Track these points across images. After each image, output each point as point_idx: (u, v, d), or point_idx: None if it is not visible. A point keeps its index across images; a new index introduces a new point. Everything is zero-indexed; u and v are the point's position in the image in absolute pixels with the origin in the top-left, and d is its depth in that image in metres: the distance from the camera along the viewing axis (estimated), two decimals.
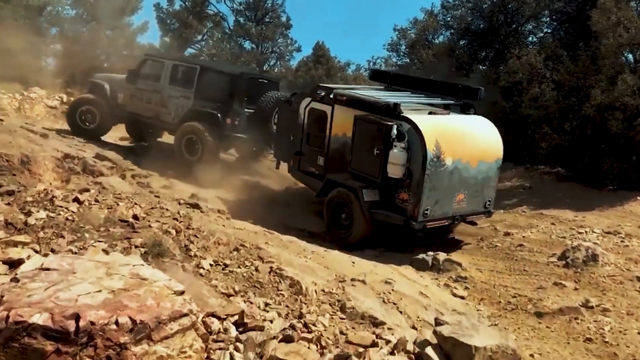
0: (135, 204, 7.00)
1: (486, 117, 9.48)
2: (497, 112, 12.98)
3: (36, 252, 5.26)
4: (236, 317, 4.52)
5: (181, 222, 6.69)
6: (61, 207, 6.20)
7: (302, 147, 9.64)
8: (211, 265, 5.87)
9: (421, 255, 8.66)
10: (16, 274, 3.68)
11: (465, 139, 8.48)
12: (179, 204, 7.88)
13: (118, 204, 6.73)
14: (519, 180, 14.14)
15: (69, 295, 3.32)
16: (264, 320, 4.74)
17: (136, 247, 5.59)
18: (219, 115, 11.19)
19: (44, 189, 6.61)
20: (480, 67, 16.66)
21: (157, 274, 4.01)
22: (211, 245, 6.26)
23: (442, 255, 8.65)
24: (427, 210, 7.93)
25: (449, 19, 17.15)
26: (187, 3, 25.38)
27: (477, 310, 6.81)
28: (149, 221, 6.39)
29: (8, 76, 20.51)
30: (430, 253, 8.72)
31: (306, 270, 6.14)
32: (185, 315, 3.58)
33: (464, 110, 9.29)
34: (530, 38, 16.94)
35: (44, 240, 5.46)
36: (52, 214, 5.99)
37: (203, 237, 6.39)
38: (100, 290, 3.45)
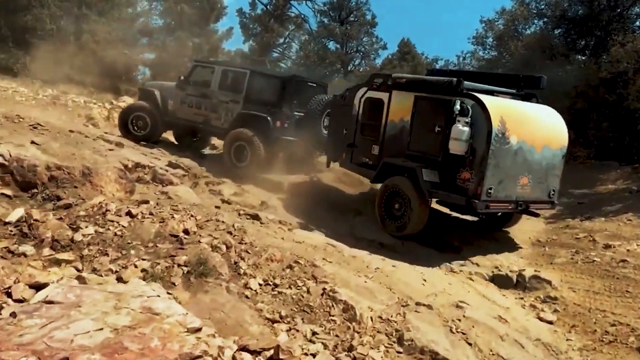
0: (192, 216, 6.73)
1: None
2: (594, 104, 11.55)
3: (78, 270, 5.08)
4: (271, 352, 4.02)
5: (235, 235, 6.33)
6: (112, 221, 6.03)
7: (355, 139, 9.56)
8: (260, 285, 5.44)
9: (505, 271, 7.82)
10: (18, 308, 3.40)
11: (530, 121, 8.16)
12: (239, 214, 7.55)
13: (173, 217, 6.47)
14: (625, 183, 12.62)
15: (65, 335, 2.99)
16: (305, 354, 4.20)
17: (179, 265, 5.27)
18: (268, 118, 11.14)
19: (99, 202, 6.48)
20: (579, 57, 15.14)
21: (173, 307, 3.61)
22: (263, 262, 5.82)
23: (528, 271, 7.75)
24: (490, 189, 7.58)
25: (542, 6, 15.75)
26: (268, 7, 25.46)
27: (567, 340, 5.88)
28: (200, 235, 6.07)
29: (101, 86, 21.55)
30: (515, 269, 7.84)
31: (364, 292, 5.54)
32: (198, 357, 3.13)
33: (526, 99, 8.98)
34: (637, 23, 15.19)
35: (87, 258, 5.27)
36: (101, 229, 5.81)
37: (255, 252, 5.97)
38: (101, 329, 3.09)
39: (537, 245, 9.30)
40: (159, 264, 5.25)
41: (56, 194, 6.80)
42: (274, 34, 24.61)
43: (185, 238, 5.89)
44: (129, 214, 6.28)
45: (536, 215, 9.00)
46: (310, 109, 11.23)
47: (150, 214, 6.48)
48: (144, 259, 5.34)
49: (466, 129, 7.55)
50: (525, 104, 8.60)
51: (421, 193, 8.12)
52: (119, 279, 4.82)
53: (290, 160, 11.50)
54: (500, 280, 7.66)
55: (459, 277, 7.59)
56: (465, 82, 8.16)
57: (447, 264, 8.11)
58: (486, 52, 16.03)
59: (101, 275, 4.95)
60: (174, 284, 5.00)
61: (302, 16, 27.76)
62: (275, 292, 5.34)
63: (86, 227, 5.78)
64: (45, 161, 6.93)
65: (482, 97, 7.74)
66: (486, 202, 7.65)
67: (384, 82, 9.12)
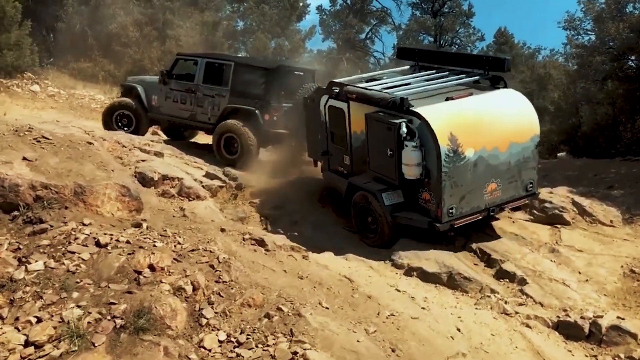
0: (178, 243, 5.79)
1: None
2: None
3: (2, 318, 4.27)
4: None
5: (216, 271, 5.29)
6: (73, 253, 5.22)
7: (328, 146, 9.07)
8: (220, 342, 4.36)
9: (575, 316, 6.10)
10: None
11: (489, 122, 7.47)
12: (243, 239, 6.50)
13: (142, 247, 5.54)
14: None
15: None
16: None
17: (113, 317, 4.29)
18: (257, 112, 10.60)
19: (72, 228, 5.72)
20: None
21: None
22: (235, 309, 4.74)
23: (608, 317, 5.98)
24: (452, 209, 7.18)
25: None
26: (347, 1, 24.24)
27: None
28: (168, 273, 5.09)
29: None
30: (590, 313, 6.10)
31: (348, 359, 4.24)
32: None
33: (494, 83, 8.31)
34: None
35: (18, 303, 4.47)
36: (54, 264, 5.02)
37: (230, 295, 4.90)
38: None
39: (630, 278, 7.34)
40: (90, 313, 4.31)
41: (39, 217, 6.14)
42: (354, 30, 23.35)
43: (144, 277, 4.93)
44: (97, 243, 5.44)
45: (518, 209, 8.53)
46: (296, 100, 10.53)
47: (128, 242, 5.61)
48: (79, 306, 4.45)
49: (416, 152, 7.10)
50: (485, 100, 7.81)
51: (386, 217, 7.71)
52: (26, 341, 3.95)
53: (283, 156, 10.77)
54: (567, 329, 5.98)
55: (510, 323, 6.02)
56: (416, 89, 7.94)
57: (502, 302, 6.54)
58: (581, 36, 13.70)
59: (18, 329, 4.11)
60: (93, 344, 4.03)
61: (385, 9, 26.24)
62: (234, 355, 4.21)
63: (36, 261, 5.00)
64: (30, 180, 6.31)
65: (428, 114, 7.13)
66: (449, 221, 7.24)
67: (341, 92, 8.47)
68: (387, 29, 26.52)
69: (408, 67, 9.93)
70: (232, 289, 4.98)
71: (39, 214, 6.18)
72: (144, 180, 8.77)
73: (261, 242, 6.44)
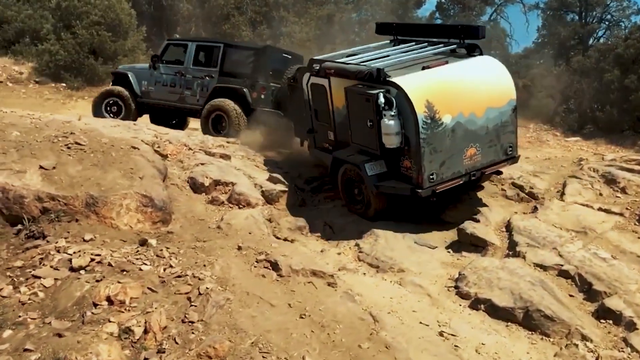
0: (170, 267, 4.96)
1: None
2: None
3: None
4: None
5: (192, 305, 4.34)
6: (38, 278, 4.58)
7: (313, 124, 9.19)
8: None
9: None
10: None
11: (465, 88, 7.64)
12: (257, 261, 5.46)
13: (105, 276, 4.77)
14: None
15: None
16: None
17: None
18: (245, 90, 10.92)
19: (55, 247, 5.12)
20: None
21: None
22: None
23: None
24: (432, 175, 7.34)
25: None
26: None
27: None
28: (128, 308, 4.24)
29: None
30: None
31: None
32: None
33: (470, 52, 8.49)
34: None
35: None
36: (8, 291, 4.40)
37: (187, 341, 3.90)
38: None
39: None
40: None
41: (43, 231, 5.68)
42: (474, 13, 21.06)
43: (92, 313, 4.12)
44: (72, 268, 4.76)
45: (499, 173, 8.61)
46: (285, 81, 10.53)
47: (110, 264, 4.88)
48: (2, 348, 3.73)
49: (394, 122, 7.27)
50: (461, 67, 8.01)
51: (369, 186, 7.84)
52: None
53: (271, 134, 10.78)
54: None
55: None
56: (393, 60, 8.23)
57: (593, 355, 4.80)
58: None
59: None
60: None
61: None
62: None
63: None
64: (37, 191, 5.87)
65: (405, 83, 7.33)
66: (431, 187, 7.36)
67: (321, 69, 8.63)
68: (517, 8, 23.65)
69: (387, 41, 10.10)
70: (193, 333, 3.98)
71: (44, 228, 5.74)
72: (195, 186, 8.15)
73: (275, 266, 5.36)
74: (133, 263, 4.98)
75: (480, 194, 9.17)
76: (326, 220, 8.32)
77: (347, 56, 9.39)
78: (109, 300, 4.26)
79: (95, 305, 4.24)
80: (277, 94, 11.10)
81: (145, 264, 4.96)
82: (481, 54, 8.44)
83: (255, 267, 5.34)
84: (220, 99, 11.03)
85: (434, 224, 7.95)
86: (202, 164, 8.84)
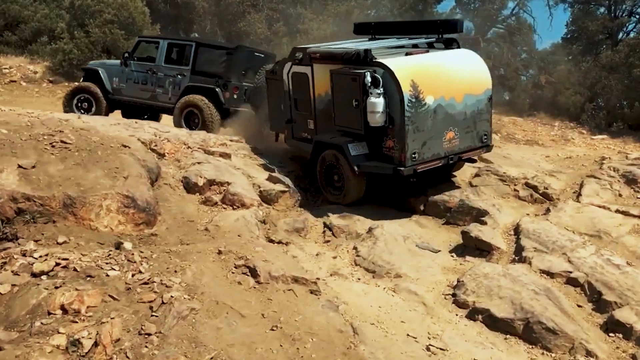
0: (139, 272, 4.66)
1: None
2: None
3: None
4: None
5: (153, 315, 4.03)
6: None
7: (292, 114, 9.43)
8: None
9: None
10: None
11: (446, 74, 8.10)
12: (235, 266, 5.11)
13: (102, 277, 4.49)
14: None
15: None
16: None
17: None
18: (217, 89, 10.93)
19: (25, 249, 4.87)
20: None
21: None
22: None
23: None
24: (414, 154, 7.67)
25: None
26: None
27: None
28: (82, 318, 3.94)
29: None
30: None
31: None
32: None
33: (448, 45, 8.96)
34: None
35: None
36: None
37: (139, 356, 3.58)
38: None
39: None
40: None
41: (16, 233, 5.44)
42: (495, 7, 20.33)
43: (42, 323, 3.83)
44: (33, 273, 4.50)
45: (473, 161, 9.02)
46: (258, 81, 10.78)
47: (75, 269, 4.60)
48: None
49: (380, 100, 7.55)
50: (441, 56, 8.54)
51: (351, 166, 8.06)
52: None
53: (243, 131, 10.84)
54: None
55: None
56: (377, 46, 8.54)
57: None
58: None
59: None
60: None
61: None
62: None
63: None
64: (11, 191, 5.63)
65: (391, 63, 7.70)
66: (412, 166, 7.67)
67: (304, 56, 8.90)
68: (541, 1, 22.78)
69: (367, 39, 10.22)
70: (147, 346, 3.66)
71: (18, 229, 5.49)
72: (188, 186, 7.88)
73: (253, 272, 5.01)
74: (101, 268, 4.69)
75: (490, 194, 8.70)
76: (326, 222, 7.99)
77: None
78: (63, 309, 3.97)
79: (49, 314, 3.96)
80: (250, 93, 11.16)
81: (114, 269, 4.67)
82: (459, 47, 8.91)
83: (233, 273, 4.99)
84: (193, 95, 11.02)
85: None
86: (199, 162, 8.55)
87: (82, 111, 11.78)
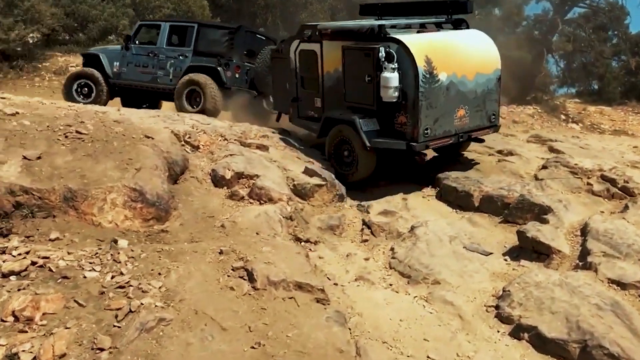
0: (120, 274, 4.13)
1: None
2: None
3: None
4: None
5: (114, 326, 3.45)
6: None
7: (298, 93, 9.44)
8: None
9: None
10: None
11: (458, 52, 8.09)
12: (232, 269, 4.45)
13: (80, 278, 4.00)
14: None
15: None
16: None
17: None
18: (218, 68, 10.78)
19: (7, 247, 4.46)
20: None
21: None
22: None
23: None
24: (427, 129, 7.66)
25: None
26: None
27: None
28: (35, 327, 3.42)
29: None
30: None
31: None
32: None
33: (457, 26, 8.89)
34: None
35: None
36: None
37: None
38: None
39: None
40: None
41: (11, 228, 5.08)
42: None
43: None
44: (3, 273, 4.06)
45: (481, 141, 8.93)
46: (259, 62, 10.84)
47: (50, 270, 4.14)
48: None
49: (394, 75, 7.56)
50: (453, 34, 8.60)
51: (364, 142, 8.02)
52: None
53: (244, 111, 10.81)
54: None
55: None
56: (389, 23, 8.37)
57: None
58: None
59: None
60: None
61: None
62: None
63: None
64: (9, 183, 5.28)
65: (405, 39, 7.70)
66: (425, 142, 7.71)
67: (314, 33, 8.92)
68: None
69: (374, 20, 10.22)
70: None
71: (14, 224, 5.14)
72: (216, 179, 7.32)
73: (250, 276, 4.33)
74: (81, 268, 4.20)
75: (557, 188, 7.58)
76: (365, 219, 7.22)
77: None
78: (15, 315, 3.48)
79: (2, 321, 3.48)
80: (251, 73, 11.13)
81: (94, 270, 4.17)
82: (468, 27, 8.89)
83: (228, 276, 4.35)
84: (195, 74, 10.84)
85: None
86: (231, 155, 7.99)
87: (82, 97, 11.72)
